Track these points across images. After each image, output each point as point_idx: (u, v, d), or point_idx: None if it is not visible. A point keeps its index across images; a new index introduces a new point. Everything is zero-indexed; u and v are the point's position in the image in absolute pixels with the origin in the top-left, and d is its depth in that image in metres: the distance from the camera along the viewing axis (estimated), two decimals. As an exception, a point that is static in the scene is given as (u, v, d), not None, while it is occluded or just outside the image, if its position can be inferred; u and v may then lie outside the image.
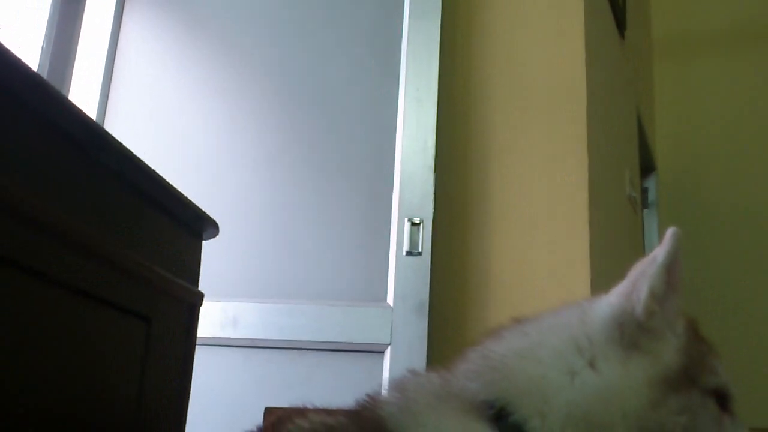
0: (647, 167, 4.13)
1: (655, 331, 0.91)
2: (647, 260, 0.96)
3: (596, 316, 0.95)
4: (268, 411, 1.49)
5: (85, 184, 0.91)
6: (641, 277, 0.95)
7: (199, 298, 1.15)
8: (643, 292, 0.91)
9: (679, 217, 4.05)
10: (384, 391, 1.02)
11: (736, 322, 3.71)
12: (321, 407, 1.07)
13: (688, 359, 0.91)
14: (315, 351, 2.21)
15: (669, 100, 4.39)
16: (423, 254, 2.20)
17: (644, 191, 4.10)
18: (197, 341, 1.20)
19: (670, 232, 0.94)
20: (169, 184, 1.05)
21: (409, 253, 2.21)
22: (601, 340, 0.92)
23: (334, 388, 2.11)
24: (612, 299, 0.96)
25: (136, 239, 0.99)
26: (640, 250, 3.58)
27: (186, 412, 1.12)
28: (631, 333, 0.91)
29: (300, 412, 1.05)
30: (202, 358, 2.18)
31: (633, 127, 3.63)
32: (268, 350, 2.22)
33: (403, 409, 0.96)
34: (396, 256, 2.22)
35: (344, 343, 2.19)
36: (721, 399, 0.90)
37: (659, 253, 0.94)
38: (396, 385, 1.02)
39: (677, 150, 4.29)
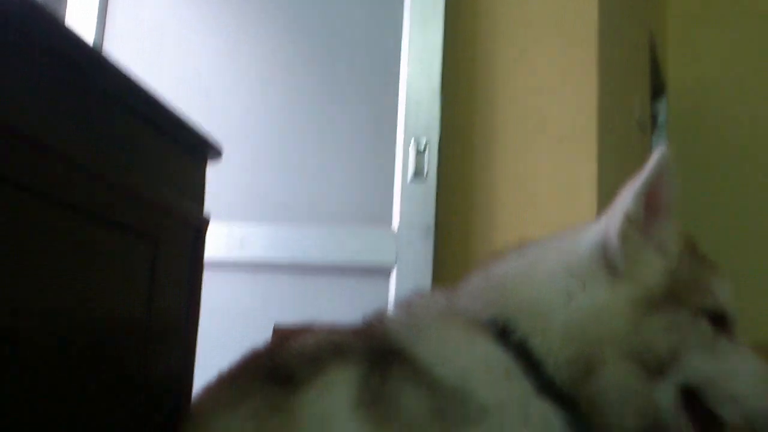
0: (657, 91, 4.07)
1: (635, 254, 0.92)
2: (629, 184, 0.96)
3: (585, 241, 0.97)
4: (276, 330, 1.53)
5: (86, 108, 0.91)
6: (618, 202, 0.95)
7: (206, 219, 1.16)
8: (617, 218, 0.93)
9: (687, 142, 4.02)
10: (390, 310, 1.04)
11: (743, 245, 3.72)
12: (327, 325, 1.10)
13: (674, 280, 0.92)
14: (321, 272, 2.24)
15: (682, 21, 4.29)
16: (428, 178, 2.20)
17: (654, 115, 4.05)
18: (205, 263, 1.22)
19: (655, 154, 0.93)
20: (171, 107, 1.05)
21: (414, 177, 2.21)
22: (589, 264, 0.94)
23: (340, 308, 2.15)
24: (598, 225, 0.97)
25: (140, 162, 1.00)
26: (647, 174, 3.56)
27: (196, 331, 1.15)
28: (612, 257, 0.92)
29: (307, 329, 1.08)
30: (209, 280, 2.20)
31: (644, 49, 3.56)
32: (275, 271, 2.25)
33: (408, 326, 0.99)
34: (401, 180, 2.22)
35: (350, 263, 2.22)
36: (719, 320, 0.91)
37: (638, 177, 0.94)
38: (402, 304, 1.05)
39: (688, 74, 4.22)
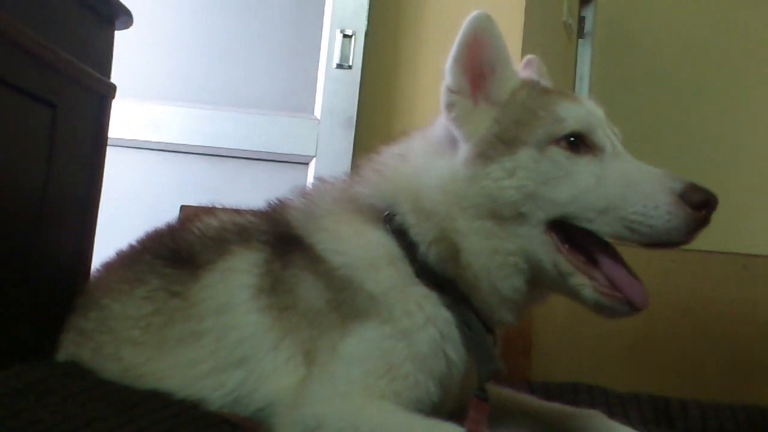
0: (588, -4, 4.05)
1: (465, 118, 0.95)
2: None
3: (439, 121, 1.00)
4: (184, 209, 1.50)
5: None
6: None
7: (111, 89, 1.10)
8: (442, 92, 0.96)
9: (613, 51, 4.05)
10: (291, 196, 1.06)
11: (666, 149, 3.81)
12: (231, 207, 1.10)
13: (505, 124, 0.94)
14: (239, 159, 2.20)
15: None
16: (353, 67, 2.16)
17: (581, 20, 4.05)
18: (118, 142, 1.16)
19: (464, 23, 0.95)
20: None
21: (339, 66, 2.16)
22: (440, 140, 0.98)
23: (256, 196, 2.11)
24: None
25: (37, 19, 0.92)
26: (570, 78, 3.59)
27: (97, 206, 1.11)
28: (449, 127, 0.96)
29: (209, 210, 1.07)
30: (122, 159, 2.14)
31: (578, -49, 3.52)
32: (190, 155, 2.19)
33: (306, 213, 1.01)
34: (326, 69, 2.17)
35: (269, 152, 2.18)
36: (578, 141, 0.92)
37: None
38: (303, 190, 1.06)
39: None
